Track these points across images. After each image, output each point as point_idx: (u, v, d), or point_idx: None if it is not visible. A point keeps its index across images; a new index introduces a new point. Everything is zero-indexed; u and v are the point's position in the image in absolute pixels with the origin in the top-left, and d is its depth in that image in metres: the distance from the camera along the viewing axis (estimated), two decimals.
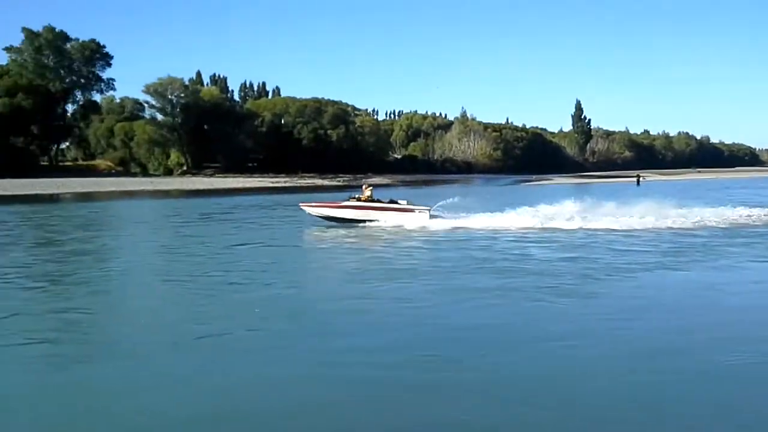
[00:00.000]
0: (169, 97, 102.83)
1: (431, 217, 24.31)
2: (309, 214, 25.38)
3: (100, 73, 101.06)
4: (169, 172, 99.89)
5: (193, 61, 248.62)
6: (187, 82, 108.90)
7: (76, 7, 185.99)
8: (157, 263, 17.35)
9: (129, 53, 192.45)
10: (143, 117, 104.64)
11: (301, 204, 26.12)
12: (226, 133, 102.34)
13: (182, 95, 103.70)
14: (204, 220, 30.17)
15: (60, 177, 78.75)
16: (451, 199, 26.10)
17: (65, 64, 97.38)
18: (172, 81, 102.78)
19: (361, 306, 11.47)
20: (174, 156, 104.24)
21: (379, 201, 24.73)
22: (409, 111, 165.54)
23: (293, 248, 20.16)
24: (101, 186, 68.93)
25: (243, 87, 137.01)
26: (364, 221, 24.05)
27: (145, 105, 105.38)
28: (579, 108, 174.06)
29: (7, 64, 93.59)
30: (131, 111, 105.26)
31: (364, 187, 25.59)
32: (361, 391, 7.36)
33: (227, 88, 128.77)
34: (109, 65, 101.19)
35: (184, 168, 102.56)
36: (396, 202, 24.91)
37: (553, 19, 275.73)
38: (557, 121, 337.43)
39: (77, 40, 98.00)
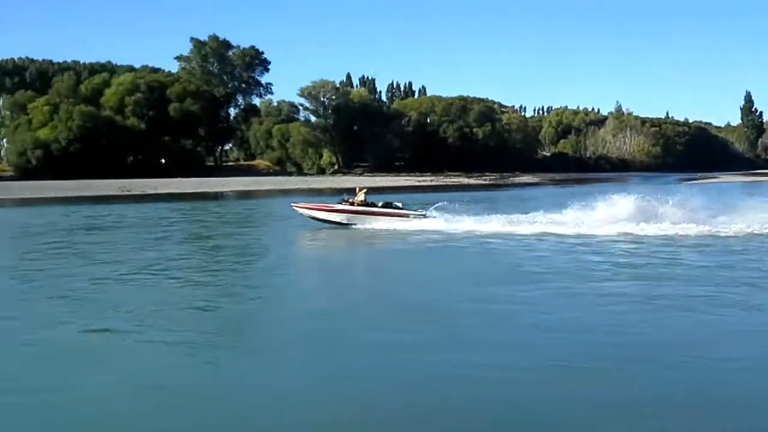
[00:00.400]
0: (322, 99, 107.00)
1: (427, 219, 23.66)
2: (300, 214, 25.24)
3: (259, 78, 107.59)
4: (321, 171, 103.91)
5: (343, 64, 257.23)
6: (338, 85, 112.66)
7: (238, 16, 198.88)
8: (295, 259, 17.92)
9: (285, 58, 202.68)
10: (298, 119, 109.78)
11: (292, 204, 26.11)
12: (374, 133, 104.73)
13: (333, 97, 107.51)
14: None
15: (223, 176, 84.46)
16: (446, 202, 24.99)
17: (228, 70, 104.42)
18: (324, 84, 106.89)
19: (492, 309, 11.04)
20: (326, 156, 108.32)
21: (373, 205, 24.25)
22: (558, 107, 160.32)
23: (422, 246, 19.97)
24: (260, 185, 73.03)
25: (390, 87, 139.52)
26: (353, 225, 23.75)
27: (300, 107, 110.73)
28: (749, 100, 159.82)
29: (177, 72, 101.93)
30: (287, 113, 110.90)
31: (357, 189, 25.07)
32: (499, 405, 6.96)
33: (375, 89, 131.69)
34: (267, 70, 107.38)
35: (336, 167, 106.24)
36: (391, 205, 24.40)
37: (719, 7, 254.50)
38: (724, 115, 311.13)
39: (238, 47, 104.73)
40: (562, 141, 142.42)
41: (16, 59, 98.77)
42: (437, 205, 24.68)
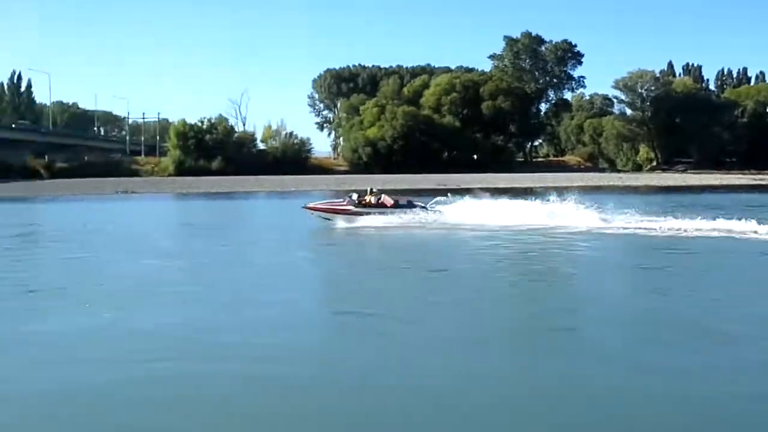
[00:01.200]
0: (639, 90, 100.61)
1: (435, 213, 24.00)
2: (311, 214, 25.70)
3: (571, 72, 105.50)
4: (637, 168, 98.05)
5: (664, 52, 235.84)
6: (658, 74, 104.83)
7: (550, 9, 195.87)
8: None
9: (599, 49, 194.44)
10: (612, 112, 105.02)
11: (303, 207, 26.44)
12: (699, 126, 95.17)
13: (652, 88, 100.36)
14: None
15: (533, 172, 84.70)
16: (447, 197, 25.42)
17: (540, 66, 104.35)
18: (642, 74, 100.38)
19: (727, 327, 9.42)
20: (643, 151, 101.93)
21: (382, 203, 24.72)
22: None
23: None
24: (570, 181, 71.60)
25: (720, 75, 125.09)
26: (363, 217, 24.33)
27: (614, 100, 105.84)
28: None
29: (490, 71, 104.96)
30: (600, 107, 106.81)
31: (369, 191, 25.43)
32: None
33: (701, 77, 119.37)
34: (580, 63, 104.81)
35: (654, 163, 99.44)
36: (398, 202, 24.96)
37: None
38: None
39: (551, 42, 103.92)
40: None
41: (351, 67, 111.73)
42: (437, 199, 25.13)
